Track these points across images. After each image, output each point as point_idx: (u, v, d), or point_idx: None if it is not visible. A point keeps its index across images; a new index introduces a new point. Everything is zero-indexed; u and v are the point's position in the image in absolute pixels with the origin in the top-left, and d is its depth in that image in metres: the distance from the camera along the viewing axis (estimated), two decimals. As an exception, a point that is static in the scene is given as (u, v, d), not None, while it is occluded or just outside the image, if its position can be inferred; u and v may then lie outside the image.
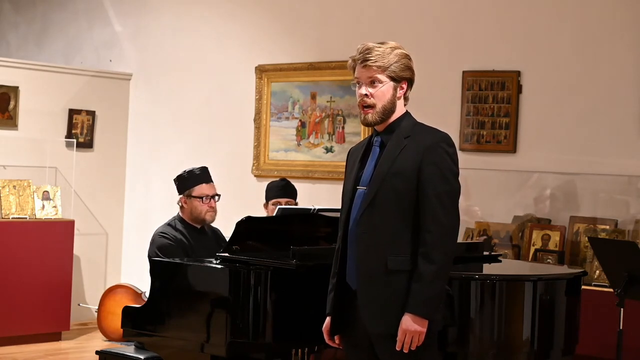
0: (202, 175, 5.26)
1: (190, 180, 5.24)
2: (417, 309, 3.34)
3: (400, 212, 3.40)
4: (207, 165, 5.43)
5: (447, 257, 3.38)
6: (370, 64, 3.46)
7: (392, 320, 3.38)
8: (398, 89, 3.50)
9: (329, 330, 3.60)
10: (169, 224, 5.24)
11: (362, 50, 3.48)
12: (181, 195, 5.25)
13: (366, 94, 3.47)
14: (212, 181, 5.31)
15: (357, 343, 3.54)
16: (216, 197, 5.27)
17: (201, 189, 5.22)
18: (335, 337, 3.61)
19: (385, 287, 3.40)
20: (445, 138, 3.47)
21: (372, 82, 3.48)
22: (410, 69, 3.52)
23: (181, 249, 5.09)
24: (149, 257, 5.05)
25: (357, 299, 3.47)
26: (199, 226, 5.27)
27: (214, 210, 5.26)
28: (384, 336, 3.42)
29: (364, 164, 3.53)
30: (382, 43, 3.50)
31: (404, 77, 3.50)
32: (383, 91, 3.47)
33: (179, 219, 5.27)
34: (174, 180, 5.31)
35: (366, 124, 3.52)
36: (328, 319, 3.60)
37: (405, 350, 3.35)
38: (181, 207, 5.27)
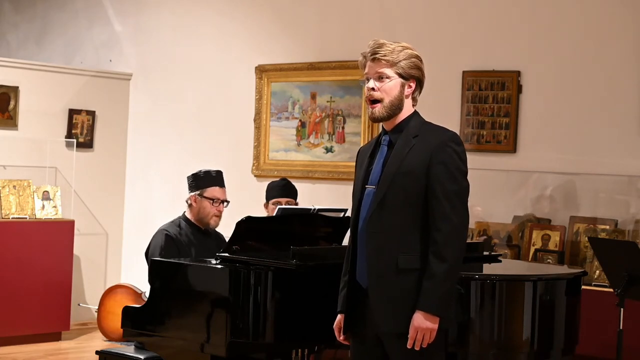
0: (217, 178, 5.28)
1: (205, 180, 5.24)
2: (429, 306, 3.35)
3: (409, 211, 3.42)
4: (207, 166, 5.42)
5: (457, 255, 3.40)
6: (380, 57, 3.48)
7: (403, 318, 3.39)
8: (406, 87, 3.51)
9: (340, 327, 3.61)
10: (173, 222, 5.26)
11: (373, 45, 3.51)
12: (192, 194, 5.24)
13: (373, 88, 3.49)
14: (224, 186, 5.32)
15: (364, 341, 3.54)
16: (225, 203, 5.28)
17: (213, 191, 5.23)
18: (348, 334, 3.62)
19: (396, 285, 3.41)
20: (454, 137, 3.48)
21: (380, 77, 3.49)
22: (419, 68, 3.53)
23: (184, 246, 5.10)
24: (149, 252, 5.08)
25: (367, 297, 3.47)
26: (203, 227, 5.27)
27: (219, 215, 5.27)
28: (395, 335, 3.43)
29: (372, 163, 3.55)
30: (394, 42, 3.53)
31: (412, 76, 3.52)
32: (390, 86, 3.49)
33: (184, 218, 5.28)
34: (188, 177, 5.30)
35: (373, 119, 3.54)
36: (340, 317, 3.60)
37: (417, 348, 3.36)
38: (189, 205, 5.27)
